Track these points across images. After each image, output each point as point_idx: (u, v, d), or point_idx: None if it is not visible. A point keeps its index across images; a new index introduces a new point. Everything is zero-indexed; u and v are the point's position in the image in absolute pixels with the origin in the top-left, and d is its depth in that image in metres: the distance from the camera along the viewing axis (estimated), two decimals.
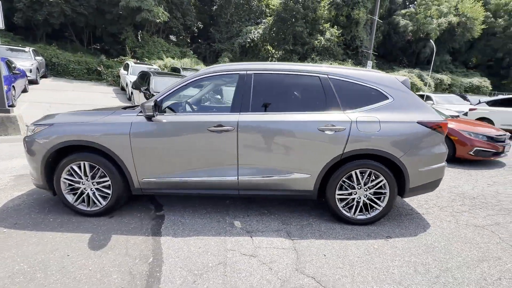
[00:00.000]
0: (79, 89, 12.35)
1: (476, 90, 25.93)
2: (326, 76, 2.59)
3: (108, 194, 2.59)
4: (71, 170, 2.54)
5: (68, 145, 2.48)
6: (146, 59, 18.15)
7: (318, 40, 20.42)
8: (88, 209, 2.62)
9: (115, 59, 17.61)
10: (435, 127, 2.51)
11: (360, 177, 2.52)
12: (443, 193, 3.56)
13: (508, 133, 5.29)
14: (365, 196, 2.57)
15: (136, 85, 9.08)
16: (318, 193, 2.57)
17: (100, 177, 2.56)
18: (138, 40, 20.02)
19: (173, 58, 18.90)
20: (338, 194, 2.56)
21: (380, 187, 2.54)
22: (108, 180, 2.55)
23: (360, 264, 2.03)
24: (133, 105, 3.57)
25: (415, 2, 27.93)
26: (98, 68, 15.59)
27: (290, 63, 2.78)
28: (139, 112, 2.52)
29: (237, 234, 2.40)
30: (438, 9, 25.52)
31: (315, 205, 3.03)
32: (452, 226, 2.68)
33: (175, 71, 12.87)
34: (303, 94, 2.62)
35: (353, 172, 2.51)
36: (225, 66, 2.66)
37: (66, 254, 2.03)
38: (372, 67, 19.09)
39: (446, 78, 25.17)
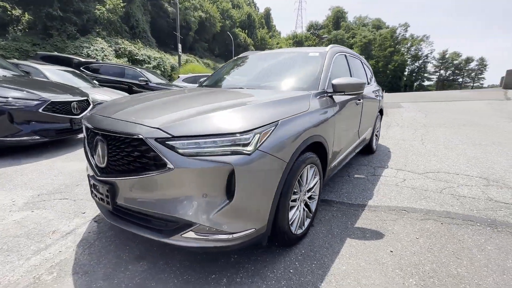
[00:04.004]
0: None
1: None
2: (362, 58, 3.77)
3: (314, 198, 2.07)
4: (297, 184, 1.73)
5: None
6: None
7: (100, 10, 16.78)
8: (302, 231, 1.92)
9: None
10: None
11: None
12: None
13: None
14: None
15: None
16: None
17: (310, 180, 1.98)
18: None
19: None
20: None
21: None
22: (318, 180, 2.05)
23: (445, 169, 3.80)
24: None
25: None
26: None
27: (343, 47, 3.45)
28: (322, 94, 2.17)
29: (374, 181, 3.13)
30: (193, 3, 30.32)
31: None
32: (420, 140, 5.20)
33: None
34: (360, 70, 3.58)
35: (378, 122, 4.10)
36: (338, 47, 2.85)
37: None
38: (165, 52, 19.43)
39: (211, 62, 31.83)
